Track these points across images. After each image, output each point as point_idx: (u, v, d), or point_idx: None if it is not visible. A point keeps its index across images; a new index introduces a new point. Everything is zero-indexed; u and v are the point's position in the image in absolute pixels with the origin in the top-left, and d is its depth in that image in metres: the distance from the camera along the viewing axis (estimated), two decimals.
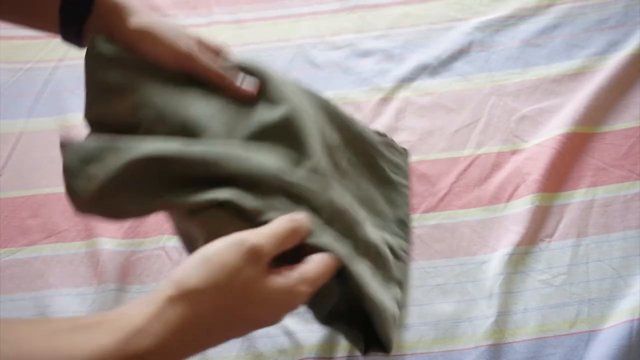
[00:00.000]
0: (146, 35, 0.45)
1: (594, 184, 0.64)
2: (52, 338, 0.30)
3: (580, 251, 0.59)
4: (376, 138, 0.57)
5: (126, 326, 0.31)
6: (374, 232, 0.48)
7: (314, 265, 0.39)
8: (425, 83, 0.76)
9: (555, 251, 0.59)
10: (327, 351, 0.55)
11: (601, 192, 0.63)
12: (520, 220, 0.60)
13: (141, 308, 0.33)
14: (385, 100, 0.74)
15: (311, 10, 0.86)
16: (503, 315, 0.55)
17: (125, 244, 0.63)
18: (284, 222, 0.39)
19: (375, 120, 0.72)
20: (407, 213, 0.56)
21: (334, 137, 0.49)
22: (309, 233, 0.40)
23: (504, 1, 0.84)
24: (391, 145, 0.60)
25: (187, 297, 0.33)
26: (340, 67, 0.79)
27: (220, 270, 0.34)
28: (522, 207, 0.61)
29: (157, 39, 0.45)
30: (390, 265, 0.48)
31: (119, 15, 0.45)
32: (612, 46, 0.76)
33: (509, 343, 0.53)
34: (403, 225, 0.55)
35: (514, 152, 0.68)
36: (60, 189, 0.69)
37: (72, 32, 0.46)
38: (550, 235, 0.60)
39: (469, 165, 0.67)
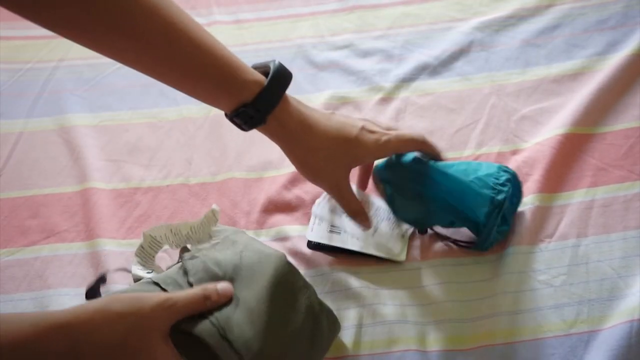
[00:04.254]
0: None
1: (593, 184, 0.64)
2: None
3: (580, 251, 0.59)
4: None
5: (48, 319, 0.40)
6: None
7: None
8: (425, 83, 0.76)
9: (555, 251, 0.59)
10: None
11: (601, 193, 0.63)
12: (520, 221, 0.60)
13: (73, 310, 0.41)
14: (385, 100, 0.74)
15: (311, 10, 0.86)
16: (503, 315, 0.55)
17: (126, 245, 0.62)
18: (197, 289, 0.45)
19: (375, 120, 0.72)
20: None
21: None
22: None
23: (504, 1, 0.84)
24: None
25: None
26: (340, 67, 0.79)
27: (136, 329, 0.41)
28: (522, 207, 0.61)
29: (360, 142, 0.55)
30: None
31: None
32: (612, 46, 0.76)
33: (509, 343, 0.53)
34: None
35: (514, 152, 0.68)
36: (60, 189, 0.69)
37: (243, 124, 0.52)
38: (550, 236, 0.60)
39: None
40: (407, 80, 0.76)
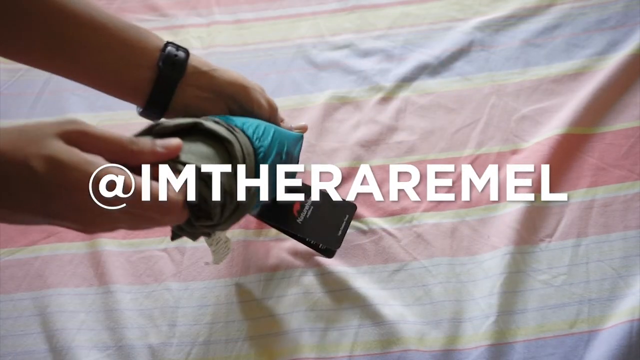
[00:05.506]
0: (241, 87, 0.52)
1: (594, 184, 0.64)
2: None
3: (580, 251, 0.59)
4: None
5: None
6: None
7: (147, 183, 0.38)
8: (426, 83, 0.76)
9: (555, 251, 0.59)
10: (326, 351, 0.55)
11: (601, 192, 0.63)
12: (520, 220, 0.60)
13: None
14: (386, 99, 0.74)
15: (311, 10, 0.86)
16: (503, 315, 0.55)
17: (126, 245, 0.63)
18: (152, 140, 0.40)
19: (375, 120, 0.72)
20: None
21: None
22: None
23: (504, 1, 0.84)
24: None
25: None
26: (340, 67, 0.79)
27: (39, 123, 0.36)
28: (522, 207, 0.61)
29: (251, 89, 0.53)
30: None
31: (205, 75, 0.51)
32: (612, 46, 0.76)
33: (509, 343, 0.53)
34: None
35: (514, 152, 0.68)
36: None
37: (159, 101, 0.49)
38: (550, 235, 0.60)
39: (469, 164, 0.67)
40: (407, 80, 0.76)
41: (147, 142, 0.40)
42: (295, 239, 0.60)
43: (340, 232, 0.60)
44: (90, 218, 0.37)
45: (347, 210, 0.62)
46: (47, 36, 0.45)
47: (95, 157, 0.36)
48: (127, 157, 0.38)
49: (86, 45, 0.46)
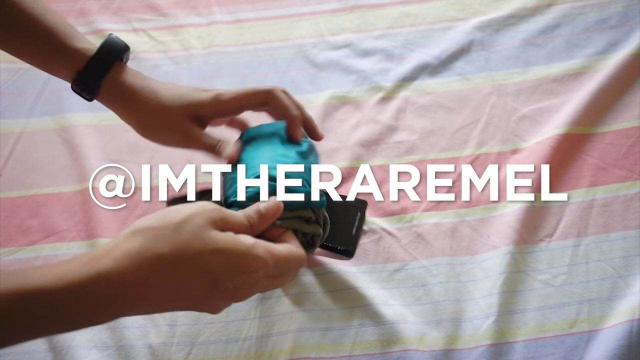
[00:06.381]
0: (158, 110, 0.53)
1: (594, 184, 0.64)
2: (33, 269, 0.36)
3: (580, 251, 0.59)
4: None
5: (90, 254, 0.37)
6: None
7: (285, 249, 0.43)
8: (426, 83, 0.76)
9: (555, 251, 0.59)
10: (326, 351, 0.55)
11: (601, 192, 0.63)
12: (520, 220, 0.60)
13: (105, 243, 0.38)
14: (386, 99, 0.74)
15: (311, 10, 0.86)
16: (503, 315, 0.55)
17: None
18: (255, 206, 0.44)
19: (375, 119, 0.72)
20: None
21: None
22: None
23: (504, 1, 0.84)
24: None
25: (144, 231, 0.38)
26: (341, 67, 0.79)
27: (176, 214, 0.39)
28: (522, 206, 0.61)
29: (171, 107, 0.53)
30: None
31: (118, 100, 0.54)
32: (612, 46, 0.76)
33: (509, 343, 0.53)
34: None
35: (514, 152, 0.68)
36: (60, 188, 0.69)
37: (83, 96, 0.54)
38: (550, 235, 0.60)
39: (469, 164, 0.67)
40: (407, 79, 0.76)
41: (254, 213, 0.43)
42: None
43: (354, 231, 0.60)
44: (243, 295, 0.42)
45: (358, 207, 0.62)
46: None
47: (244, 236, 0.40)
48: (248, 229, 0.42)
49: (24, 32, 0.51)
